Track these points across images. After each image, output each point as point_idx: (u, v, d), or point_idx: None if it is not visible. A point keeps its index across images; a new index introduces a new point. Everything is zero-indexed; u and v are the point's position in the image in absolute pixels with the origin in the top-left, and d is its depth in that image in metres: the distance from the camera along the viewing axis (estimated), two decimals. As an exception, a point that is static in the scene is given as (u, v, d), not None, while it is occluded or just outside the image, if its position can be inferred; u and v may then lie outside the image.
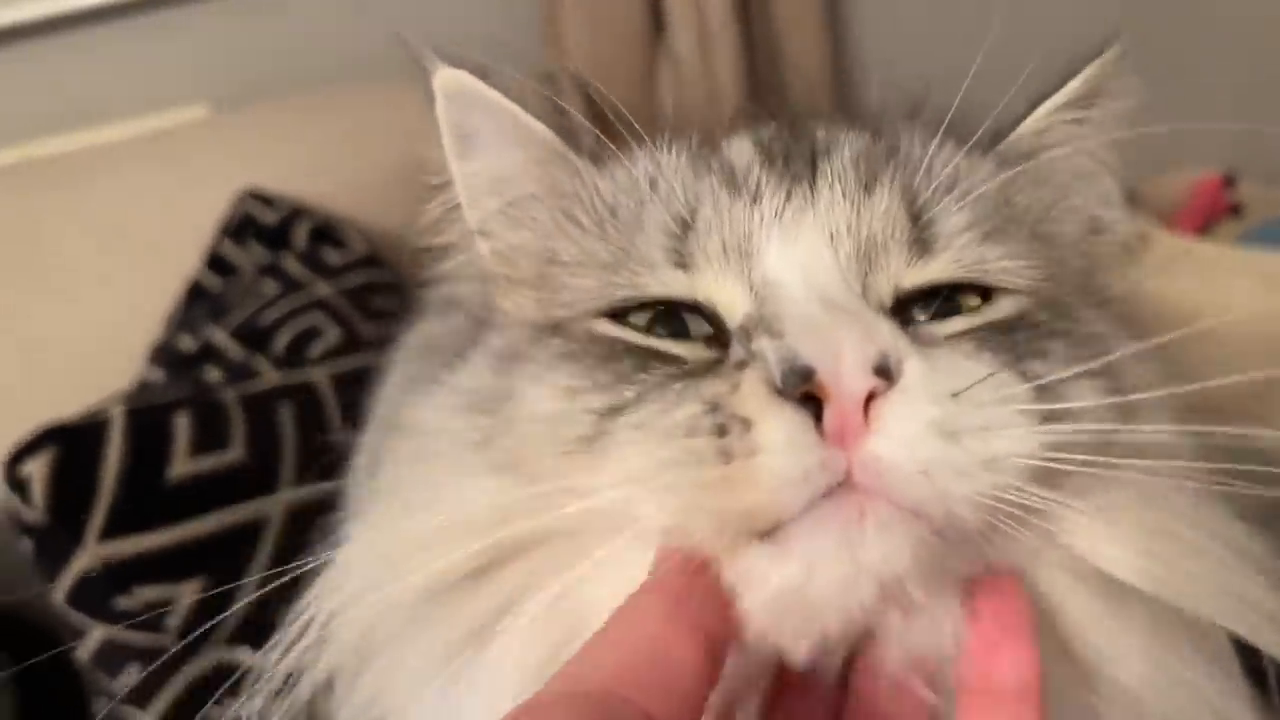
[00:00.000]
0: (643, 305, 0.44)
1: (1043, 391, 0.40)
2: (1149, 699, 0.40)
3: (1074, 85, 0.49)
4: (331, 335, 1.01)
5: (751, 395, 0.36)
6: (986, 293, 0.45)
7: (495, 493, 0.42)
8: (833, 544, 0.35)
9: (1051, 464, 0.37)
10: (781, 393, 0.36)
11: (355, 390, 0.95)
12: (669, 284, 0.44)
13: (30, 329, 1.11)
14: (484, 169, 0.51)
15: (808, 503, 0.35)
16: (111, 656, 0.82)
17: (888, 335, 0.37)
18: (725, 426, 0.36)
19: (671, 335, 0.43)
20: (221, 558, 0.82)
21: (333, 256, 1.13)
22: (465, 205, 0.51)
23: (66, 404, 1.07)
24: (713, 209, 0.44)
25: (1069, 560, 0.41)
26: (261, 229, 1.15)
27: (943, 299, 0.44)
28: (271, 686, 0.43)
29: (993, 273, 0.44)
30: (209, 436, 0.84)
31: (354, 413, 0.92)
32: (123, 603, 0.79)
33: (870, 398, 0.36)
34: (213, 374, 0.95)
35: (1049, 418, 0.39)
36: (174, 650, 0.82)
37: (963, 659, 0.38)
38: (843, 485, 0.35)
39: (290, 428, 0.89)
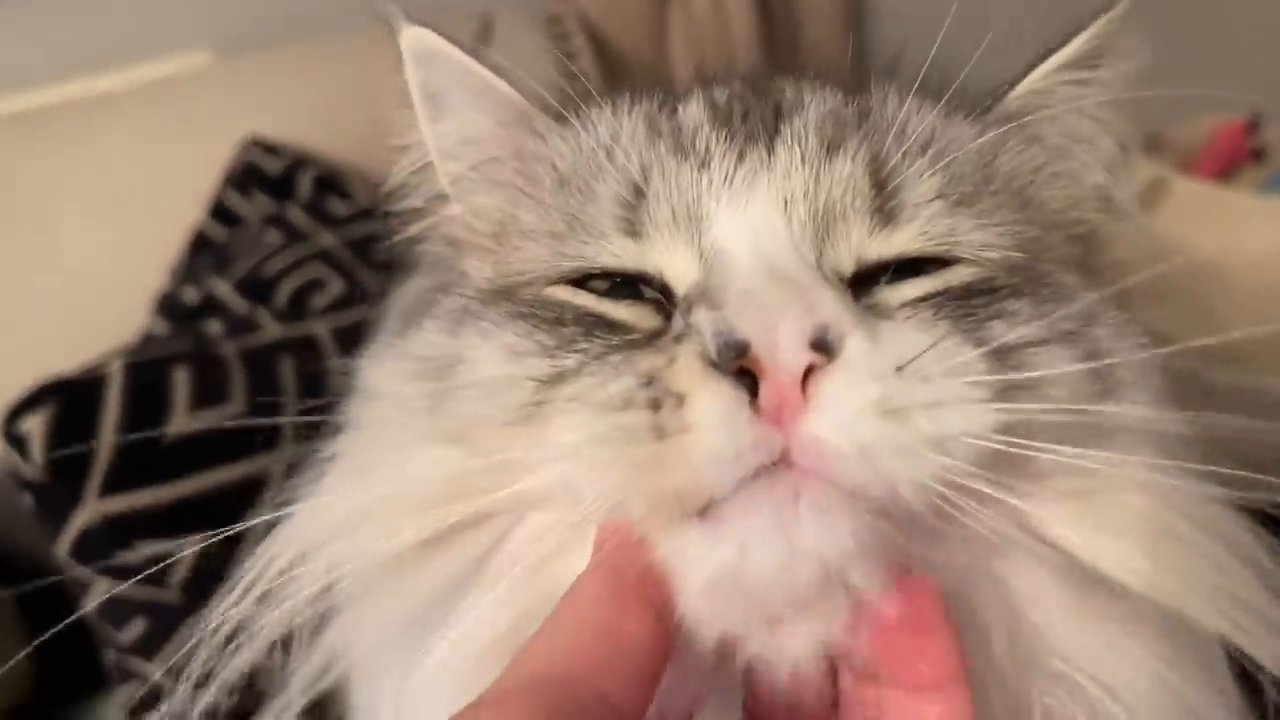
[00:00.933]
0: (598, 275, 0.43)
1: (1002, 356, 0.38)
2: (1124, 700, 0.38)
3: (1076, 44, 0.47)
4: (334, 287, 1.00)
5: (686, 369, 0.35)
6: (952, 262, 0.42)
7: (444, 463, 0.41)
8: (766, 525, 0.33)
9: (1009, 447, 0.35)
10: (717, 366, 0.34)
11: (357, 343, 0.95)
12: (620, 254, 0.42)
13: (33, 279, 1.11)
14: (453, 130, 0.49)
15: (740, 481, 0.34)
16: (116, 610, 0.82)
17: (830, 307, 0.35)
18: (659, 401, 0.35)
19: (623, 295, 0.42)
20: (223, 513, 0.82)
21: (337, 206, 1.12)
22: (437, 166, 0.50)
23: (70, 353, 1.07)
24: (661, 176, 0.42)
25: (1040, 547, 0.38)
26: (265, 178, 1.14)
27: (915, 274, 0.41)
28: (217, 640, 0.42)
29: (963, 245, 0.42)
30: (208, 391, 0.83)
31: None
32: (125, 557, 0.79)
33: (809, 373, 0.34)
34: (214, 327, 0.94)
35: (1010, 392, 0.37)
36: (178, 604, 0.83)
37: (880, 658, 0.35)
38: (779, 464, 0.34)
39: (291, 381, 0.89)
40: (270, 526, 0.45)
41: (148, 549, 0.80)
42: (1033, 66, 0.48)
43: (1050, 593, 0.39)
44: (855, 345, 0.35)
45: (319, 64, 1.22)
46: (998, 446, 0.35)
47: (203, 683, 0.43)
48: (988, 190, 0.44)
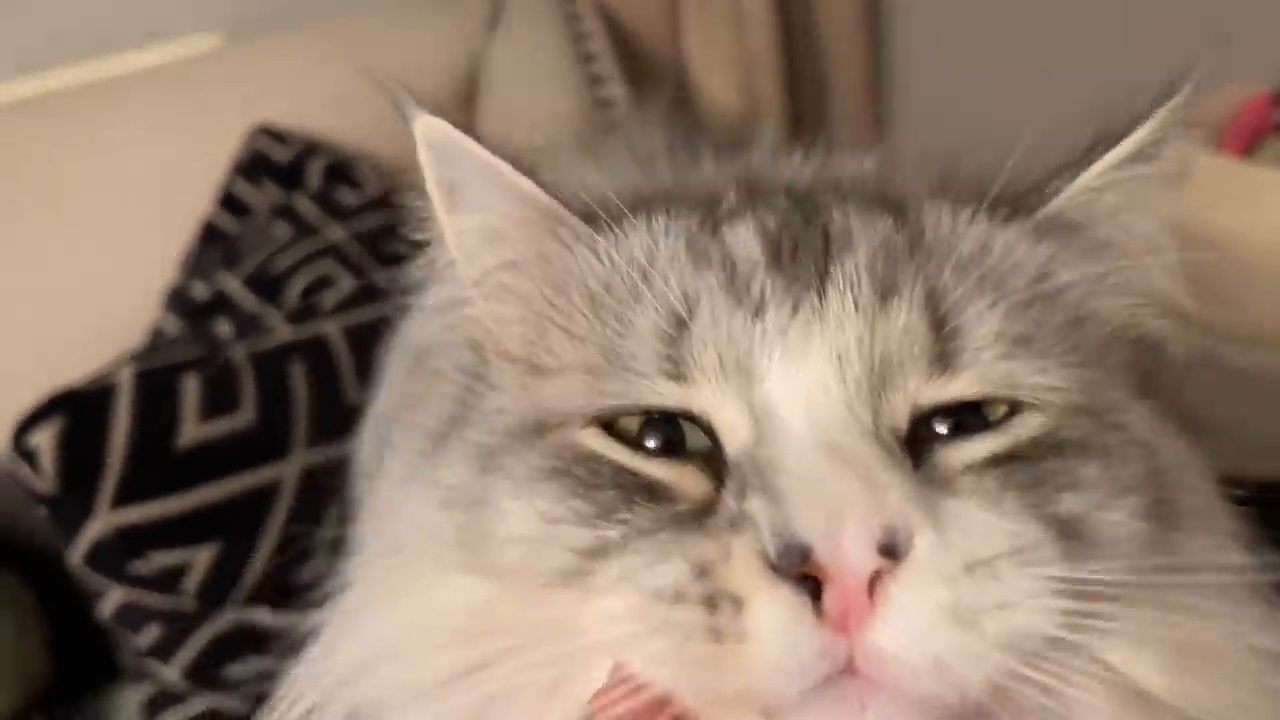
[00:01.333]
0: (634, 413, 0.41)
1: (1072, 532, 0.37)
2: None
3: (1138, 137, 0.43)
4: (344, 284, 0.99)
5: (744, 569, 0.33)
6: (1017, 407, 0.40)
7: (475, 597, 0.41)
8: None
9: (1072, 631, 0.35)
10: (777, 570, 0.33)
11: (367, 343, 0.94)
12: (663, 394, 0.40)
13: (39, 270, 1.10)
14: (473, 227, 0.46)
15: (804, 692, 0.33)
16: (131, 615, 0.83)
17: (896, 498, 0.34)
18: (715, 600, 0.34)
19: (664, 449, 0.40)
20: (236, 522, 0.82)
21: (347, 197, 1.11)
22: (459, 261, 0.47)
23: (79, 346, 1.07)
24: (711, 317, 0.40)
25: (1101, 671, 0.38)
26: (274, 167, 1.12)
27: (972, 413, 0.40)
28: None
29: (1024, 389, 0.40)
30: (219, 400, 0.83)
31: (366, 368, 0.91)
32: (138, 567, 0.79)
33: (875, 576, 0.33)
34: (224, 327, 0.93)
35: (1075, 562, 0.36)
36: (192, 611, 0.83)
37: None
38: (844, 672, 0.33)
39: (302, 387, 0.88)
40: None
41: (160, 560, 0.80)
42: (1084, 161, 0.44)
43: (1111, 708, 0.38)
44: (924, 544, 0.33)
45: (331, 47, 1.19)
46: (1065, 635, 0.34)
47: None
48: (1047, 317, 0.42)
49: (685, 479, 0.39)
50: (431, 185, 0.45)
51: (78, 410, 0.77)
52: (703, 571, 0.34)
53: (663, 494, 0.39)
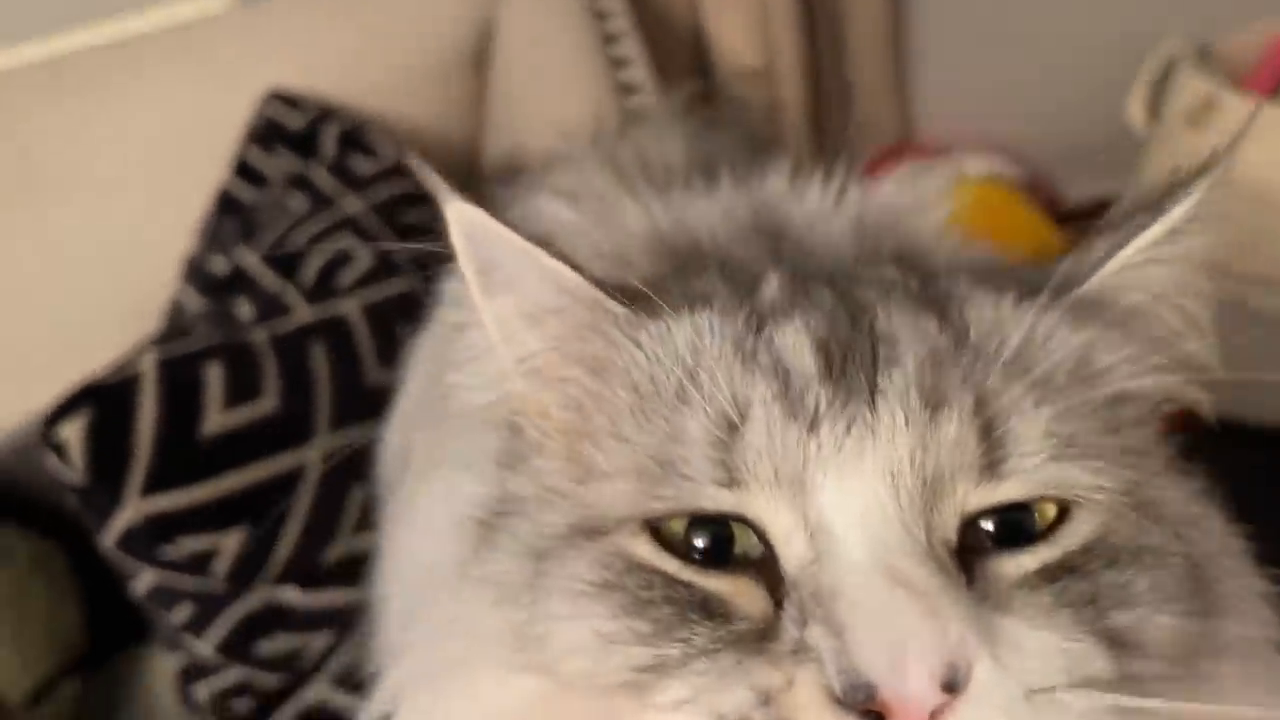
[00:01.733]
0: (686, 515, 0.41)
1: (1120, 642, 0.38)
2: None
3: (1176, 214, 0.43)
4: (362, 260, 0.99)
5: (808, 702, 0.34)
6: (1065, 505, 0.40)
7: (538, 694, 0.42)
8: None
9: None
10: (841, 703, 0.34)
11: (387, 320, 0.95)
12: (716, 500, 0.40)
13: (54, 234, 1.10)
14: (512, 308, 0.46)
15: None
16: (163, 596, 0.85)
17: (957, 632, 0.34)
18: None
19: (713, 557, 0.40)
20: (262, 507, 0.83)
21: (362, 165, 1.10)
22: (499, 344, 0.46)
23: (96, 312, 1.08)
24: (766, 428, 0.39)
25: None
26: (288, 134, 1.11)
27: (1020, 510, 0.40)
28: None
29: (1072, 488, 0.40)
30: (241, 388, 0.84)
31: (387, 347, 0.92)
32: (168, 552, 0.81)
33: (938, 710, 0.34)
34: (244, 308, 0.93)
35: (1125, 677, 0.37)
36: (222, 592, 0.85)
37: None
38: None
39: (323, 370, 0.89)
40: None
41: (189, 545, 0.82)
42: (1123, 236, 0.43)
43: None
44: (984, 673, 0.34)
45: (343, 8, 1.17)
46: None
47: None
48: (1090, 408, 0.42)
49: (740, 594, 0.39)
50: (467, 269, 0.45)
51: (104, 403, 0.78)
52: (767, 699, 0.35)
53: (718, 610, 0.39)
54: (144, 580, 0.84)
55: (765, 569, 0.40)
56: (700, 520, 0.40)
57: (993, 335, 0.41)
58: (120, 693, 1.05)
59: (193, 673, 0.91)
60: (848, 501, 0.38)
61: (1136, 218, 0.43)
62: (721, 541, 0.40)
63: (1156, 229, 0.43)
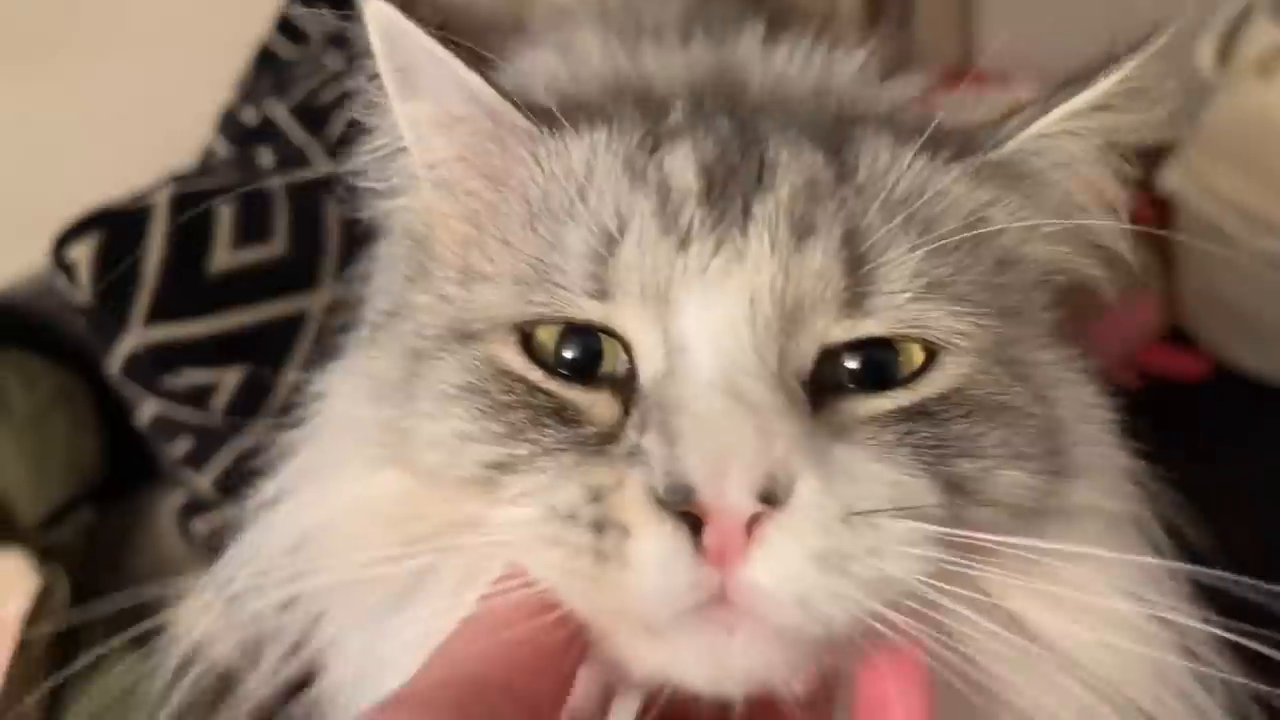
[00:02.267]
0: (557, 321, 0.42)
1: (959, 489, 0.38)
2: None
3: (1105, 86, 0.42)
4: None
5: (632, 502, 0.35)
6: (933, 349, 0.41)
7: (400, 488, 0.44)
8: (700, 652, 0.36)
9: (951, 578, 0.36)
10: (662, 504, 0.34)
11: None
12: (586, 310, 0.41)
13: (90, 90, 1.12)
14: (427, 113, 0.46)
15: (677, 616, 0.35)
16: (165, 427, 0.87)
17: (783, 449, 0.35)
18: (603, 525, 0.35)
19: (578, 372, 0.41)
20: (263, 348, 0.85)
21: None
22: (411, 148, 0.47)
23: (130, 171, 1.10)
24: (638, 242, 0.40)
25: (986, 604, 0.39)
26: (330, -10, 1.11)
27: (884, 348, 0.41)
28: (182, 654, 0.47)
29: (934, 331, 0.40)
30: (252, 229, 0.85)
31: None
32: (170, 382, 0.83)
33: (755, 519, 0.34)
34: (266, 157, 0.94)
35: (959, 520, 0.37)
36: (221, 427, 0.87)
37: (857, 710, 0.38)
38: (718, 599, 0.35)
39: (334, 223, 0.89)
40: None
41: (191, 377, 0.84)
42: (1044, 106, 0.43)
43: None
44: (805, 491, 0.35)
45: None
46: (937, 584, 0.36)
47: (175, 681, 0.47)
48: (972, 261, 0.42)
49: (596, 405, 0.41)
50: (384, 69, 0.45)
51: (114, 228, 0.80)
52: (596, 496, 0.36)
53: (571, 417, 0.40)
54: (147, 409, 0.87)
55: (626, 386, 0.41)
56: (571, 333, 0.42)
57: (882, 177, 0.42)
58: (130, 525, 1.09)
59: (192, 508, 0.94)
60: (706, 321, 0.39)
61: (1064, 89, 0.43)
62: (590, 356, 0.42)
63: (1078, 100, 0.42)
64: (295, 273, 0.86)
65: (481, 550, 0.40)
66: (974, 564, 0.37)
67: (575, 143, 0.44)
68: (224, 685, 0.63)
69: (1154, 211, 1.02)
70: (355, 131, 0.95)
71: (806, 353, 0.40)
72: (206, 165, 1.00)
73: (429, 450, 0.43)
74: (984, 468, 0.39)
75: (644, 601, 0.35)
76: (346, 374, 0.50)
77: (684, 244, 0.40)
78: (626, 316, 0.40)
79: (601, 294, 0.41)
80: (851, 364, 0.40)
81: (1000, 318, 0.42)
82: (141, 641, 0.48)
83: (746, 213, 0.40)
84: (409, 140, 0.47)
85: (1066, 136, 0.44)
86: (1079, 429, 0.43)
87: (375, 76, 0.46)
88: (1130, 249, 0.46)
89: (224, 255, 0.83)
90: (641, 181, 0.42)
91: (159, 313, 0.81)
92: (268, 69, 1.09)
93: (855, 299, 0.40)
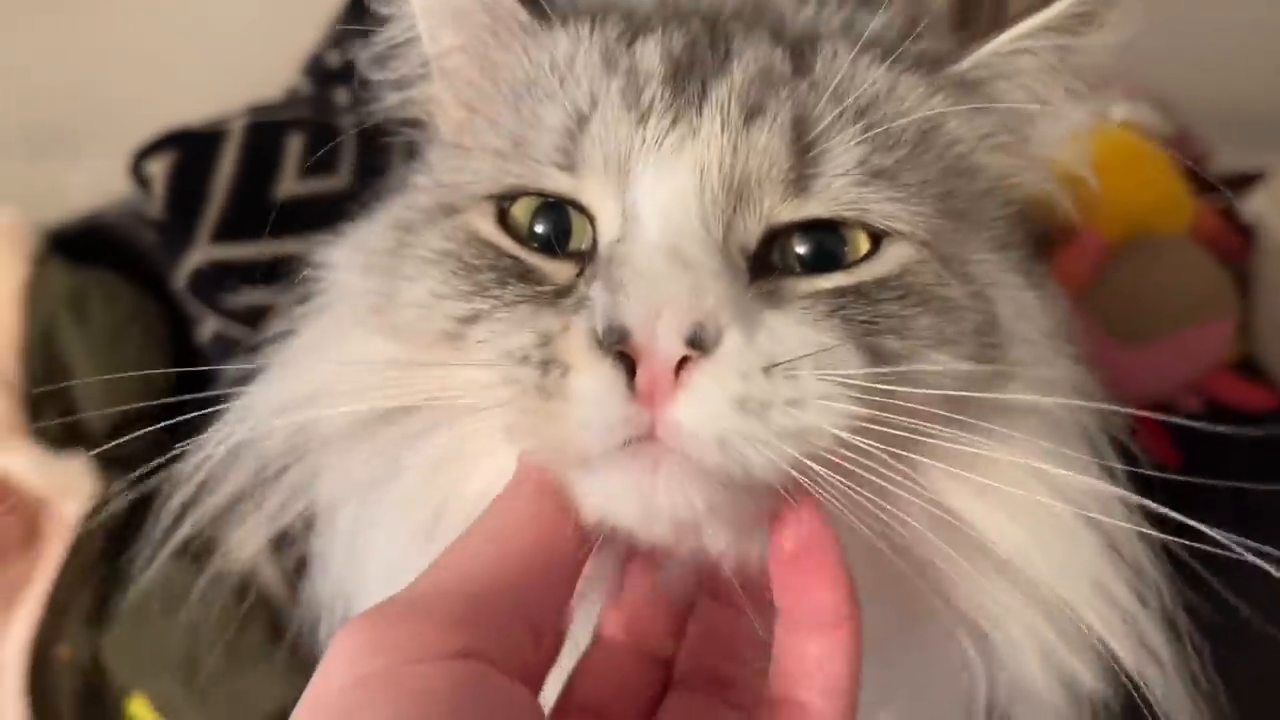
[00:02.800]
0: (530, 193, 0.45)
1: (887, 358, 0.40)
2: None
3: (1063, 6, 0.44)
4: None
5: (575, 342, 0.38)
6: (877, 236, 0.43)
7: (384, 354, 0.47)
8: (628, 487, 0.38)
9: (867, 434, 0.38)
10: (600, 345, 0.37)
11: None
12: (556, 182, 0.44)
13: (181, 25, 1.17)
14: (438, 4, 0.50)
15: (610, 449, 0.37)
16: (222, 345, 0.91)
17: (714, 302, 0.37)
18: (548, 365, 0.38)
19: (548, 245, 0.45)
20: (317, 275, 0.88)
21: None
22: (422, 37, 0.51)
23: (223, 95, 1.15)
24: (604, 119, 0.43)
25: (913, 486, 0.40)
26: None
27: (830, 233, 0.43)
28: (185, 495, 0.50)
29: (874, 215, 0.43)
30: (319, 161, 0.88)
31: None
32: (229, 300, 0.87)
33: (683, 363, 0.36)
34: (341, 96, 0.98)
35: (884, 387, 0.39)
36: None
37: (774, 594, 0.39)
38: (647, 437, 0.37)
39: (399, 163, 0.92)
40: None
41: (249, 297, 0.88)
42: (1005, 26, 0.45)
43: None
44: (731, 343, 0.37)
45: None
46: (850, 438, 0.37)
47: (178, 521, 0.51)
48: (920, 159, 0.44)
49: (560, 269, 0.44)
50: None
51: (190, 148, 0.84)
52: (545, 340, 0.39)
53: (534, 278, 0.44)
54: (208, 327, 0.91)
55: (589, 257, 0.44)
56: (544, 208, 0.45)
57: (839, 77, 0.44)
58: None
59: (246, 431, 0.98)
60: (658, 192, 0.42)
61: (1024, 14, 0.45)
62: (560, 233, 0.45)
63: (1032, 21, 0.44)
64: (354, 206, 0.89)
65: (454, 409, 0.43)
66: (900, 443, 0.39)
67: (561, 36, 0.48)
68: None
69: (1237, 239, 1.01)
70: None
71: (753, 230, 0.42)
72: (288, 101, 1.05)
73: (407, 309, 0.46)
74: (910, 346, 0.41)
75: (581, 434, 0.37)
76: (347, 248, 0.54)
77: (644, 119, 0.43)
78: (591, 187, 0.44)
79: (570, 167, 0.44)
80: (800, 249, 0.43)
81: (945, 217, 0.44)
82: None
83: (703, 94, 0.43)
84: (421, 29, 0.51)
85: (1021, 55, 0.46)
86: (1018, 327, 0.45)
87: None
88: (1081, 163, 0.48)
89: (290, 184, 0.86)
90: (614, 67, 0.45)
91: (224, 231, 0.85)
92: (357, 16, 1.13)
93: (800, 180, 0.42)
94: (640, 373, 0.36)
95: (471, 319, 0.43)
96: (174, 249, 0.85)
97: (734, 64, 0.44)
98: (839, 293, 0.42)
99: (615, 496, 0.38)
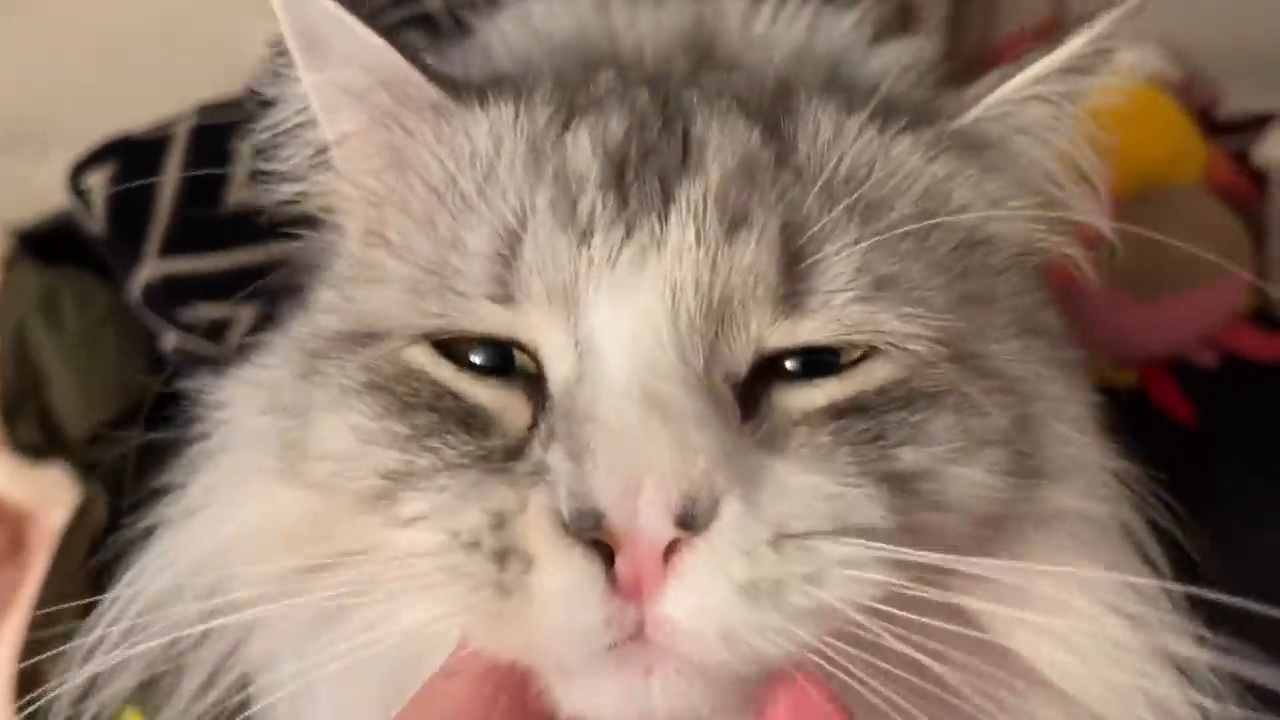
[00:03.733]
0: (461, 339, 0.38)
1: (912, 489, 0.34)
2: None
3: (1075, 46, 0.37)
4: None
5: (536, 527, 0.32)
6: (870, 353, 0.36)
7: (302, 507, 0.41)
8: (617, 696, 0.32)
9: (902, 601, 0.32)
10: (569, 531, 0.31)
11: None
12: (488, 320, 0.37)
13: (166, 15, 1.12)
14: (330, 82, 0.42)
15: (590, 655, 0.31)
16: (185, 358, 0.88)
17: (704, 466, 0.31)
18: (505, 555, 0.32)
19: (493, 368, 0.38)
20: (275, 287, 0.84)
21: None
22: (319, 120, 0.43)
23: (195, 90, 1.10)
24: (537, 240, 0.36)
25: (954, 623, 0.34)
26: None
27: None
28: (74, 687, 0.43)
29: (882, 335, 0.36)
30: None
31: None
32: (187, 315, 0.83)
33: (673, 544, 0.30)
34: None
35: (913, 529, 0.33)
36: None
37: None
38: (636, 637, 0.31)
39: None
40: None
41: (207, 311, 0.83)
42: (1012, 70, 0.38)
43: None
44: (729, 514, 0.31)
45: None
46: (884, 608, 0.31)
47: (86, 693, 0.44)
48: (927, 248, 0.37)
49: (508, 409, 0.37)
50: (288, 35, 0.42)
51: (130, 158, 0.80)
52: (499, 522, 0.33)
53: (479, 424, 0.37)
54: (169, 340, 0.87)
55: (539, 388, 0.37)
56: (483, 343, 0.38)
57: (823, 155, 0.37)
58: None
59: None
60: (619, 319, 0.35)
61: (1032, 53, 0.38)
62: (502, 358, 0.38)
63: (1046, 62, 0.37)
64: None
65: (381, 588, 0.37)
66: (934, 584, 0.33)
67: (482, 121, 0.40)
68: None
69: (1248, 184, 0.96)
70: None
71: (740, 355, 0.36)
72: (240, 97, 0.99)
73: (323, 461, 0.39)
74: (933, 457, 0.35)
75: (552, 641, 0.32)
76: (243, 385, 0.47)
77: (585, 237, 0.36)
78: (532, 321, 0.37)
79: (505, 298, 0.37)
80: (791, 365, 0.36)
81: (960, 306, 0.37)
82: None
83: (667, 197, 0.36)
84: (316, 112, 0.43)
85: (1034, 102, 0.39)
86: (1054, 426, 0.39)
87: (279, 44, 0.42)
88: (1108, 225, 0.41)
89: (241, 191, 0.82)
90: (542, 170, 0.38)
91: (174, 244, 0.81)
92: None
93: (792, 296, 0.36)
94: (620, 562, 0.31)
95: (404, 478, 0.36)
96: (122, 264, 0.81)
97: (706, 156, 0.37)
98: (836, 411, 0.35)
99: (599, 705, 0.33)
